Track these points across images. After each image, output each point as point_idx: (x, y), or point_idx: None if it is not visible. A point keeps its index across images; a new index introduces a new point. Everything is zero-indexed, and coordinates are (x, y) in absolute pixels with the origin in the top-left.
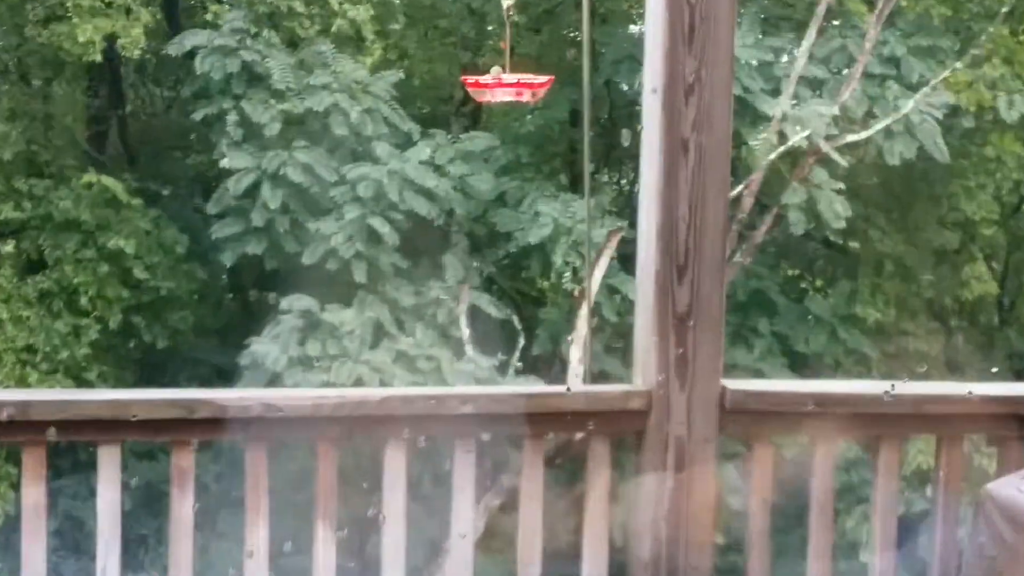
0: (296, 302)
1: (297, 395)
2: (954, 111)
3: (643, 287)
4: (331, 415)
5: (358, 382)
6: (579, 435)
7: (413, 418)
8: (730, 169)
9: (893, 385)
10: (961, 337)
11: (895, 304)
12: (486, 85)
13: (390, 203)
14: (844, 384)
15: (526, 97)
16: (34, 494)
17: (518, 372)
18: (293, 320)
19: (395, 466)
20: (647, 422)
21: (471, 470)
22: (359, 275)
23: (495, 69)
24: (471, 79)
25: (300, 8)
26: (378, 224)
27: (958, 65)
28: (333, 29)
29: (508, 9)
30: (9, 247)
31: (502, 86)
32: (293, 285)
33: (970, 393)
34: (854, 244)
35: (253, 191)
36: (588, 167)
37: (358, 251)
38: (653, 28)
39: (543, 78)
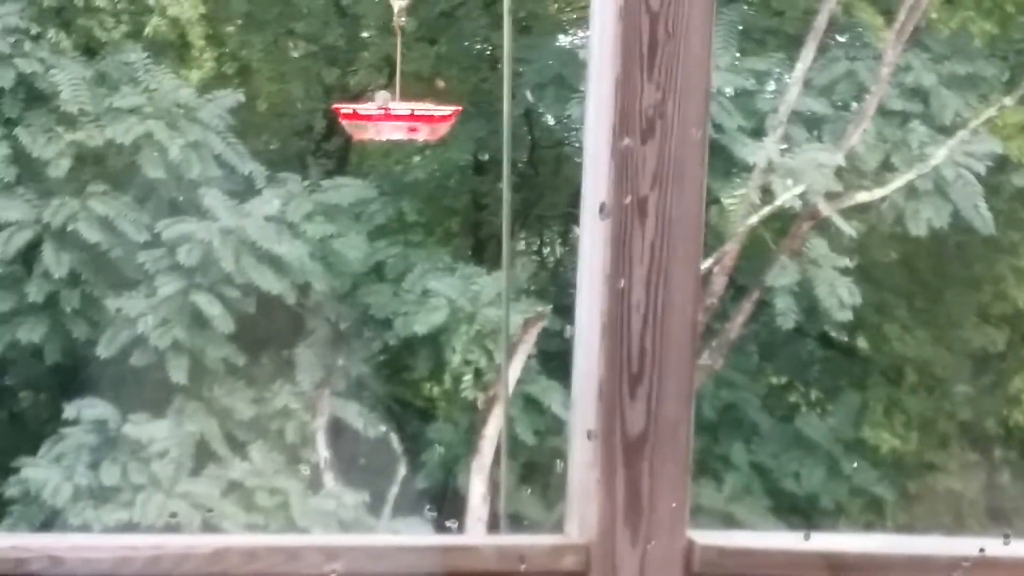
0: (87, 410)
1: (90, 544)
2: (1001, 164)
3: (581, 401)
4: (140, 574)
5: (172, 523)
6: None
7: None
8: (701, 239)
9: (982, 549)
10: (1008, 473)
11: (918, 427)
12: (368, 117)
13: (223, 274)
14: (867, 540)
15: (423, 135)
16: None
17: (397, 513)
18: (82, 435)
19: None
20: None
21: None
22: (177, 374)
23: (382, 95)
24: (346, 108)
25: (101, 1)
26: (205, 303)
27: (1007, 101)
28: (147, 31)
29: (399, 13)
30: None
31: (391, 119)
32: (83, 386)
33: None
34: (863, 344)
35: (29, 253)
36: (507, 227)
37: (176, 340)
38: (600, 45)
39: (448, 109)
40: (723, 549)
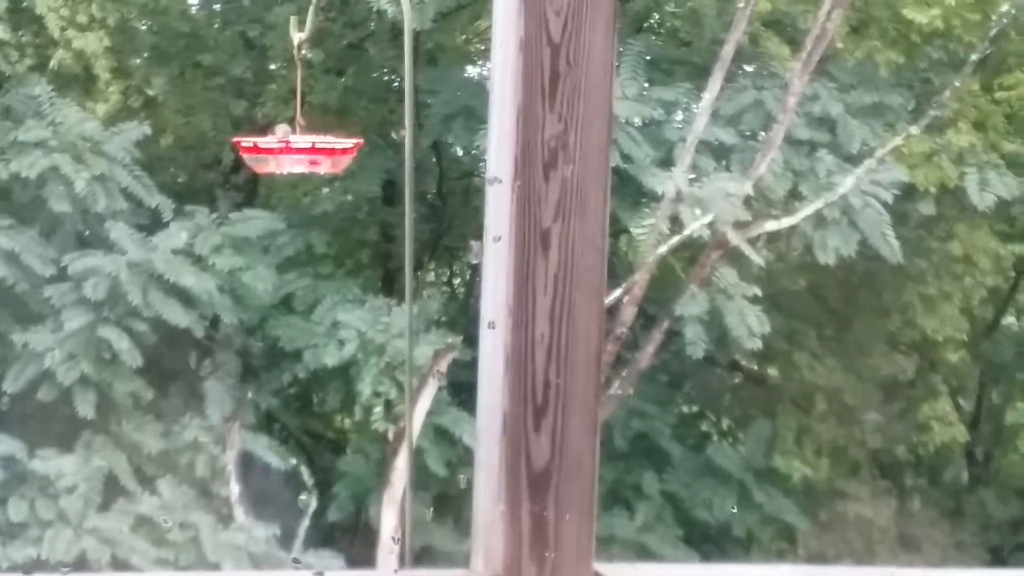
0: None
1: None
2: (908, 192)
3: (486, 434)
4: None
5: (81, 559)
6: None
7: None
8: (606, 270)
9: None
10: (919, 500)
11: (829, 454)
12: (269, 150)
13: (130, 308)
14: (776, 570)
15: (325, 168)
16: None
17: (308, 545)
18: None
19: None
20: None
21: None
22: (84, 408)
23: (282, 128)
24: (247, 142)
25: (5, 34)
26: (113, 337)
27: (913, 130)
28: (52, 64)
29: (300, 45)
30: None
31: (291, 152)
32: None
33: None
34: (773, 372)
35: None
36: (410, 258)
37: (84, 375)
38: (501, 77)
39: (349, 141)
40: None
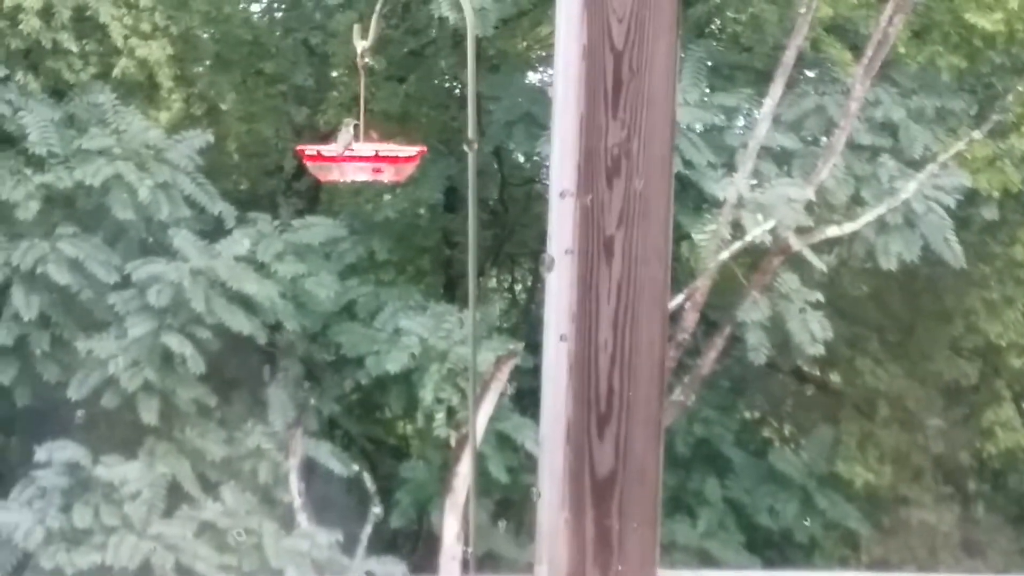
0: (58, 452)
1: None
2: (971, 197)
3: (549, 441)
4: None
5: (145, 565)
6: None
7: None
8: (670, 277)
9: None
10: (982, 506)
11: (892, 460)
12: (331, 159)
13: (193, 315)
14: None
15: (388, 176)
16: None
17: (371, 552)
18: (53, 477)
19: None
20: None
21: None
22: (148, 415)
23: (344, 136)
24: (310, 150)
25: (69, 43)
26: (176, 344)
27: (975, 135)
28: (116, 72)
29: (363, 53)
30: None
31: (354, 160)
32: (54, 428)
33: None
34: (836, 378)
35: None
36: (473, 265)
37: (147, 381)
38: (564, 84)
39: (413, 149)
40: None
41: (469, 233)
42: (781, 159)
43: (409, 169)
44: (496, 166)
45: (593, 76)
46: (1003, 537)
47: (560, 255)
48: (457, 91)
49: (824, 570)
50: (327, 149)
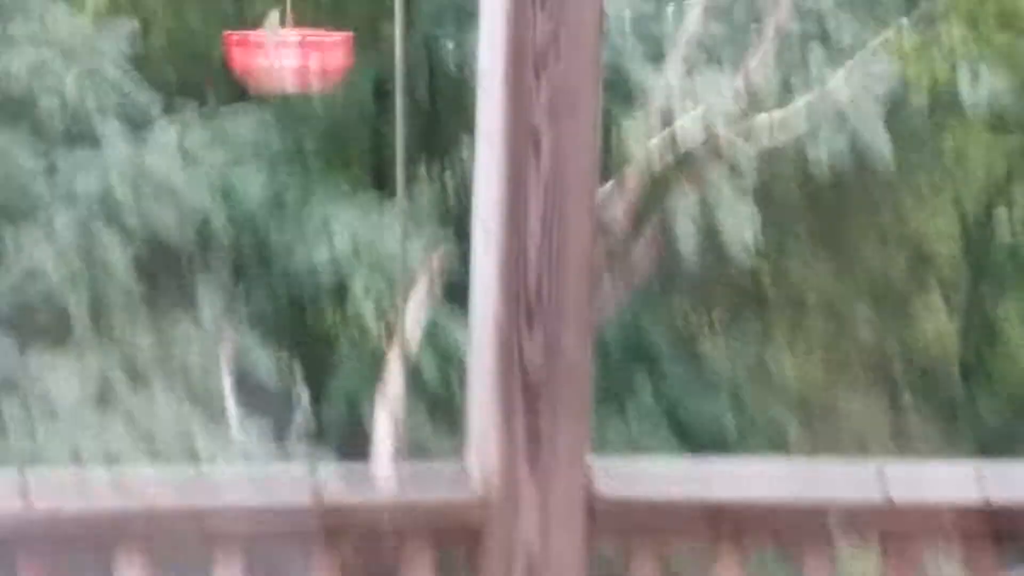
0: None
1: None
2: (900, 87)
3: (479, 339)
4: (44, 520)
5: (74, 456)
6: (393, 545)
7: (155, 522)
8: (597, 173)
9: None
10: (910, 394)
11: (820, 352)
12: (248, 41)
13: (119, 204)
14: (768, 465)
15: (316, 83)
16: None
17: (301, 442)
18: None
19: None
20: (485, 528)
21: None
22: (75, 307)
23: (271, 21)
24: (236, 35)
25: None
26: (103, 233)
27: (904, 23)
28: None
29: None
30: None
31: (275, 47)
32: None
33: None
34: (765, 268)
35: None
36: (401, 149)
37: (73, 272)
38: None
39: (339, 35)
40: (623, 474)
41: (397, 123)
42: (711, 49)
43: (337, 62)
44: (426, 56)
45: None
46: (930, 424)
47: (486, 147)
48: None
49: (758, 457)
50: (254, 35)
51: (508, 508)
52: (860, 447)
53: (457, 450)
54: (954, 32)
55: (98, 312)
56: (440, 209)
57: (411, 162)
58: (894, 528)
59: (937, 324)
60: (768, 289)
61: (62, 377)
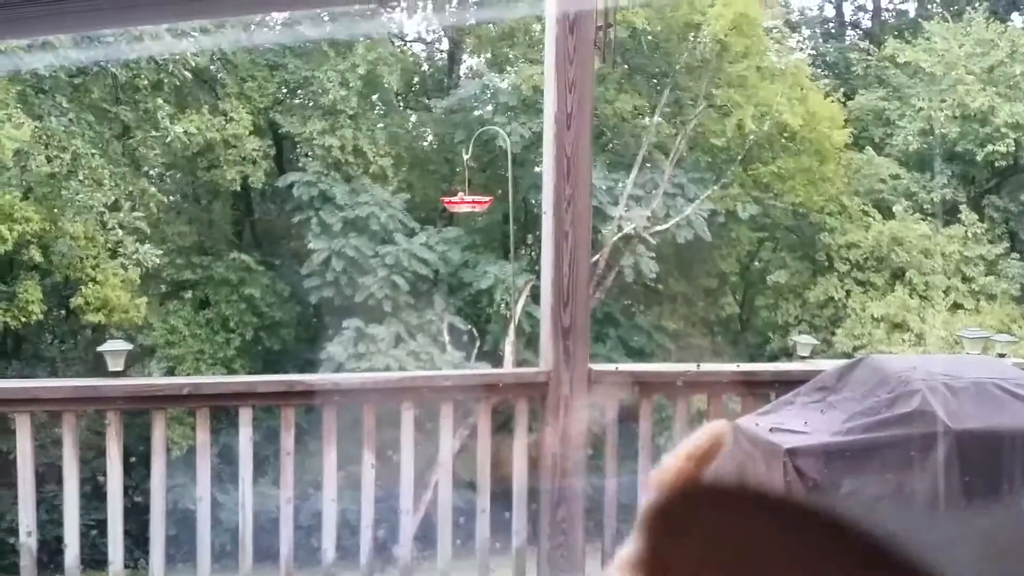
0: (351, 323)
1: (351, 378)
2: (714, 213)
3: (545, 313)
4: (372, 388)
5: (387, 369)
6: (510, 396)
7: (418, 389)
8: (591, 246)
9: (696, 366)
10: (720, 338)
11: (683, 320)
12: (454, 202)
13: (403, 266)
14: (659, 364)
15: (478, 209)
16: (203, 435)
17: (476, 360)
18: (350, 333)
19: (408, 416)
20: (548, 389)
21: (450, 418)
22: (387, 306)
23: (461, 192)
24: (446, 198)
25: (351, 159)
26: (397, 279)
27: (715, 188)
28: (372, 170)
29: (468, 160)
30: (189, 294)
31: (463, 203)
32: (350, 313)
33: (697, 368)
34: (660, 286)
35: (327, 261)
36: (513, 247)
37: (387, 294)
38: (547, 168)
39: (487, 198)
40: (604, 371)
41: (511, 227)
42: (637, 199)
43: (486, 206)
44: (524, 207)
45: (559, 164)
46: (727, 351)
47: (547, 239)
48: (507, 175)
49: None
50: (452, 198)
51: (555, 378)
52: None
53: (537, 355)
54: (736, 190)
55: (395, 308)
56: (530, 262)
57: (518, 248)
58: None
59: (730, 308)
60: (662, 294)
61: (380, 334)
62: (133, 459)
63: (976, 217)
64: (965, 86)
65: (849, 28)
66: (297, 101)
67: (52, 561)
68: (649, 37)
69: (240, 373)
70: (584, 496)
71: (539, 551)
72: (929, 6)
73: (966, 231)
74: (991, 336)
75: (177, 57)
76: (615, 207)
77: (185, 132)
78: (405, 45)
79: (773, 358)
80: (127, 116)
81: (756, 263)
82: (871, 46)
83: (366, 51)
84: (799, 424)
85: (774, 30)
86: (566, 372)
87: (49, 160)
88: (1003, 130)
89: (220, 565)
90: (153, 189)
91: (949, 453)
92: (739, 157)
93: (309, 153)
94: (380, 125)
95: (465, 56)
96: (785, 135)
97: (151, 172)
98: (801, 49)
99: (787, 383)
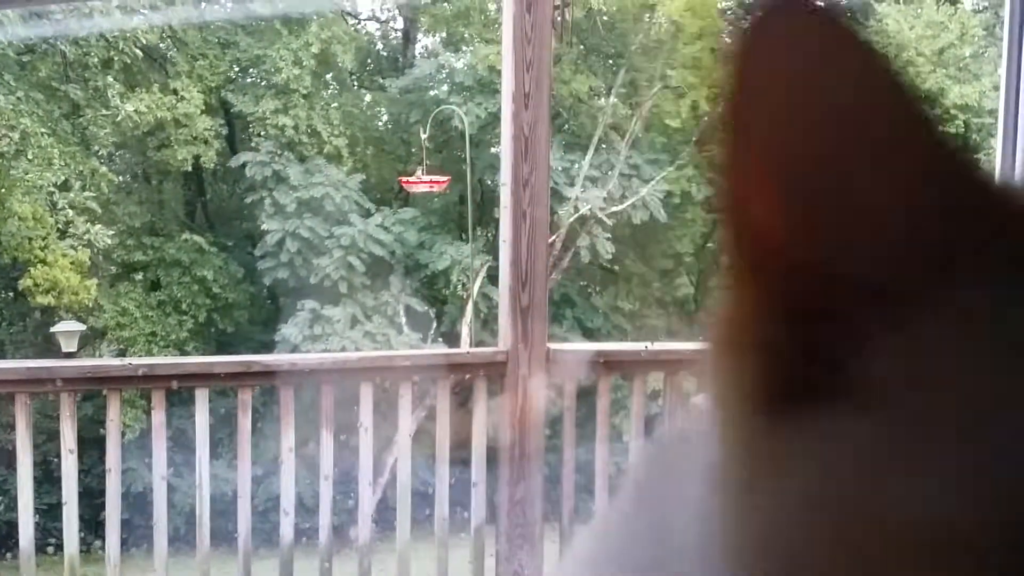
0: (306, 304)
1: (309, 358)
2: (669, 194)
3: (503, 293)
4: (330, 368)
5: (342, 350)
6: (468, 376)
7: (376, 369)
8: (549, 227)
9: (646, 346)
10: (674, 319)
11: (639, 300)
12: (411, 181)
13: (359, 247)
14: (615, 344)
15: (436, 189)
16: (159, 416)
17: (433, 341)
18: (305, 315)
19: (367, 396)
20: (507, 368)
21: (409, 398)
22: (343, 288)
23: (418, 172)
24: (404, 178)
25: (305, 139)
26: (353, 260)
27: (670, 169)
28: (326, 150)
29: (424, 140)
30: (140, 276)
31: (421, 183)
32: (305, 295)
33: (648, 347)
34: (616, 267)
35: (281, 243)
36: (470, 227)
37: (342, 275)
38: (505, 148)
39: (444, 177)
40: (560, 350)
41: (468, 207)
42: (593, 180)
43: (444, 186)
44: (480, 186)
45: (516, 145)
46: (683, 331)
47: (505, 217)
48: (464, 157)
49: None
50: (410, 177)
51: (515, 360)
52: None
53: (494, 336)
54: (691, 171)
55: (352, 290)
56: (487, 244)
57: (474, 230)
58: None
59: (685, 289)
60: (618, 275)
61: (336, 316)
62: (84, 442)
63: None
64: (916, 68)
65: None
66: (249, 80)
67: (3, 545)
68: (604, 17)
69: (194, 355)
70: (542, 475)
71: (497, 530)
72: None
73: None
74: None
75: (127, 34)
76: (571, 188)
77: (136, 111)
78: (359, 23)
79: None
80: (77, 94)
81: (711, 244)
82: None
83: (319, 29)
84: None
85: (728, 12)
86: (524, 351)
87: None
88: (952, 111)
89: (175, 548)
90: (104, 169)
91: None
92: (693, 138)
93: (262, 133)
94: (334, 105)
95: (420, 35)
96: None
97: (101, 152)
98: None
99: None
